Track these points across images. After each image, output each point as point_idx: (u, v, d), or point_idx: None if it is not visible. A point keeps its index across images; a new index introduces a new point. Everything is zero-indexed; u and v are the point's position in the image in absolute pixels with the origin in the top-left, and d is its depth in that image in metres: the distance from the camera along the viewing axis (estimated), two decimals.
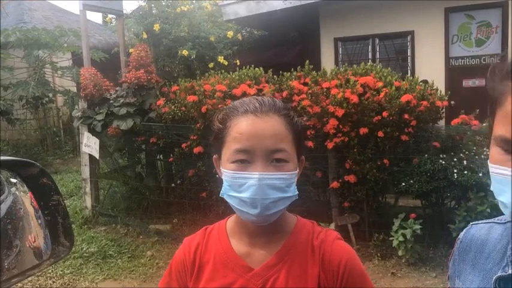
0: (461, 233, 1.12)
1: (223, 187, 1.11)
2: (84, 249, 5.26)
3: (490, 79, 0.88)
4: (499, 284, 0.93)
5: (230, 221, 1.23)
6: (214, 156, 1.18)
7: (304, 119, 4.91)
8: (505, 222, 1.02)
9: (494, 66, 0.87)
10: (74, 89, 8.39)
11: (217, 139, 1.15)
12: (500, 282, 0.93)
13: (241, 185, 1.06)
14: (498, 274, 0.94)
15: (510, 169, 0.82)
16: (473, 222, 1.11)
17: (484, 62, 7.16)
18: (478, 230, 1.07)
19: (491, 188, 0.89)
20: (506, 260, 0.94)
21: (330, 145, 4.85)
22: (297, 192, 1.10)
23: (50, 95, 9.53)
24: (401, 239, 4.49)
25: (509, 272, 0.92)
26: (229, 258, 1.15)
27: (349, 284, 1.12)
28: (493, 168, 0.86)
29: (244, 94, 5.21)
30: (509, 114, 0.81)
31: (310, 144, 4.81)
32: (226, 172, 1.09)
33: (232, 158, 1.07)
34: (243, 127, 1.07)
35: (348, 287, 1.12)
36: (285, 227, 1.18)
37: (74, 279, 4.70)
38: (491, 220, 1.07)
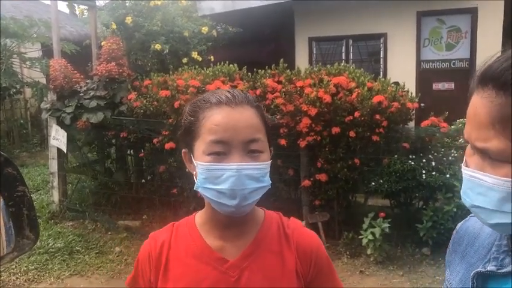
0: (459, 224, 1.13)
1: (198, 180, 1.09)
2: (50, 244, 5.13)
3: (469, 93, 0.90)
4: (477, 280, 0.94)
5: (199, 216, 1.21)
6: (183, 150, 1.17)
7: (278, 117, 4.92)
8: None
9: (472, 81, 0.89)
10: (43, 81, 8.18)
11: (188, 132, 1.12)
12: (478, 277, 0.93)
13: (219, 176, 1.05)
14: (477, 269, 0.94)
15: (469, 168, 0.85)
16: (472, 214, 1.10)
17: (454, 66, 7.34)
18: (473, 223, 1.08)
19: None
20: (489, 256, 0.95)
21: (302, 144, 4.87)
22: (270, 182, 1.11)
23: (18, 86, 9.27)
24: (370, 237, 4.55)
25: (488, 268, 0.92)
26: (202, 252, 1.14)
27: (318, 269, 1.18)
28: (465, 170, 0.89)
29: None
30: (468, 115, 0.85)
31: (282, 142, 4.82)
32: (202, 164, 1.07)
33: (208, 150, 1.06)
34: (219, 118, 1.06)
35: (317, 272, 1.17)
36: (255, 219, 1.19)
37: (38, 275, 4.58)
38: None
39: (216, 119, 1.06)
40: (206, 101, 1.11)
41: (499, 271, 0.91)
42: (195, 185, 1.10)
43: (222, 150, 1.05)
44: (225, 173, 1.04)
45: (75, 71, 5.99)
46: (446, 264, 1.13)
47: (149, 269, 1.18)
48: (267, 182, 1.10)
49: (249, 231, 1.16)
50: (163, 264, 1.16)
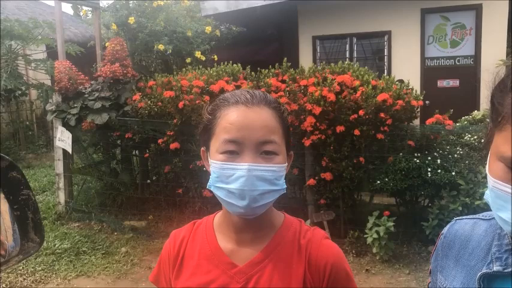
0: (445, 228, 1.12)
1: (210, 178, 1.09)
2: (56, 245, 5.16)
3: (499, 91, 0.86)
4: (483, 281, 0.94)
5: (218, 217, 1.22)
6: (202, 148, 1.17)
7: None
8: (490, 219, 1.03)
9: (506, 77, 0.85)
10: (48, 82, 8.22)
11: (206, 130, 1.13)
12: (485, 279, 0.94)
13: (230, 176, 1.04)
14: (483, 271, 0.94)
15: None
16: (458, 218, 1.12)
17: (458, 63, 7.31)
18: (462, 226, 1.08)
19: (490, 202, 0.89)
20: (491, 256, 0.95)
21: (306, 142, 4.87)
22: (285, 186, 1.09)
23: (23, 88, 9.30)
24: (375, 236, 4.54)
25: (494, 269, 0.93)
26: (214, 254, 1.14)
27: (334, 283, 1.11)
28: (496, 184, 0.85)
29: (222, 90, 5.19)
30: None
31: None
32: (215, 163, 1.07)
33: (221, 148, 1.06)
34: (234, 117, 1.06)
35: (332, 286, 1.11)
36: (272, 224, 1.16)
37: (45, 276, 4.60)
38: (476, 216, 1.08)
39: (231, 118, 1.06)
40: (225, 100, 1.11)
41: (505, 271, 0.91)
42: (208, 183, 1.10)
43: (234, 150, 1.04)
44: (235, 173, 1.03)
45: (80, 73, 6.02)
46: (434, 270, 1.12)
47: (168, 268, 1.21)
48: (281, 185, 1.08)
49: (263, 237, 1.14)
50: (178, 261, 1.18)
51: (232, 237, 1.15)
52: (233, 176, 1.04)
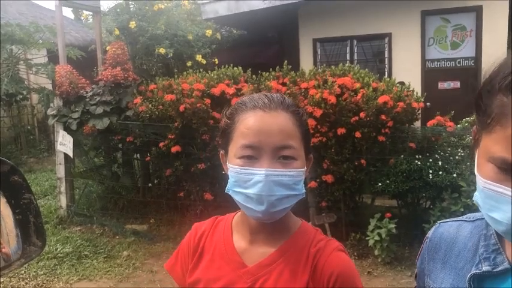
0: (430, 232, 1.12)
1: (228, 182, 1.10)
2: (58, 249, 5.16)
3: (486, 92, 0.85)
4: (473, 282, 0.94)
5: (237, 216, 1.23)
6: (220, 152, 1.18)
7: None
8: (474, 220, 1.04)
9: (492, 78, 0.84)
10: (50, 87, 8.23)
11: (224, 134, 1.14)
12: (475, 279, 0.94)
13: (247, 181, 1.05)
14: (472, 272, 0.95)
15: (510, 189, 0.81)
16: (441, 221, 1.12)
17: (459, 65, 7.31)
18: (446, 229, 1.08)
19: (480, 203, 0.89)
20: (479, 257, 0.96)
21: None
22: (304, 191, 1.10)
23: (24, 92, 9.32)
24: (377, 238, 4.54)
25: (483, 269, 0.93)
26: (226, 252, 1.17)
27: None
28: (488, 184, 0.85)
29: (223, 93, 5.20)
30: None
31: None
32: (233, 168, 1.08)
33: (239, 153, 1.06)
34: (251, 122, 1.06)
35: None
36: (287, 228, 1.16)
37: (47, 280, 4.60)
38: (460, 218, 1.08)
39: (249, 123, 1.06)
40: (243, 105, 1.12)
41: (494, 270, 0.92)
42: (226, 187, 1.11)
43: (252, 155, 1.05)
44: (253, 178, 1.04)
45: (81, 77, 6.03)
46: (421, 274, 1.12)
47: (188, 258, 1.23)
48: (300, 190, 1.08)
49: (276, 240, 1.15)
50: (197, 254, 1.21)
51: (246, 236, 1.17)
52: (251, 181, 1.04)
